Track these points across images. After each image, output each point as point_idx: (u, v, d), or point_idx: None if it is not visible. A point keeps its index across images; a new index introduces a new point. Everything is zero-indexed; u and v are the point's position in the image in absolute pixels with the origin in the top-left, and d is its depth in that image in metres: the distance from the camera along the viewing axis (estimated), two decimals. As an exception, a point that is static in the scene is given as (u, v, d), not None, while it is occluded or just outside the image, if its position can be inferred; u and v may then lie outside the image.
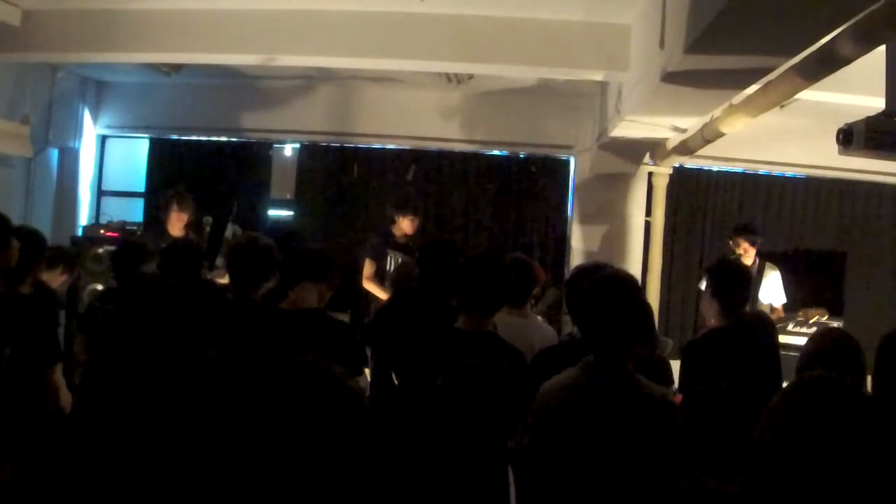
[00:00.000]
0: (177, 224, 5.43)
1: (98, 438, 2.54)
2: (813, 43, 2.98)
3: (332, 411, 1.20)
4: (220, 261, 5.34)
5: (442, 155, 7.20)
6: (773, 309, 5.54)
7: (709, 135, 4.93)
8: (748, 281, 3.68)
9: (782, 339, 5.23)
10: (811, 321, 5.57)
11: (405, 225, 5.62)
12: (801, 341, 5.56)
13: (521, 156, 7.22)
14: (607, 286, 2.31)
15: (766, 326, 3.71)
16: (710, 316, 3.61)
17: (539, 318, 3.81)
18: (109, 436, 2.52)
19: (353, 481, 1.20)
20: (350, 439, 1.21)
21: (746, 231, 5.64)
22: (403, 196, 6.07)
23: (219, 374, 2.61)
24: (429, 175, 7.22)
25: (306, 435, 1.17)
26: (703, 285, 5.87)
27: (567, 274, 6.56)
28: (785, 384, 3.27)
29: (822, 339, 2.64)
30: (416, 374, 2.09)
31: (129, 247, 4.22)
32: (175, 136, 7.44)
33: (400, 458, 1.93)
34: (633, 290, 2.35)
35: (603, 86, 5.77)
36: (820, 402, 1.34)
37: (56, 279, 4.22)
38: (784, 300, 5.67)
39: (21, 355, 2.98)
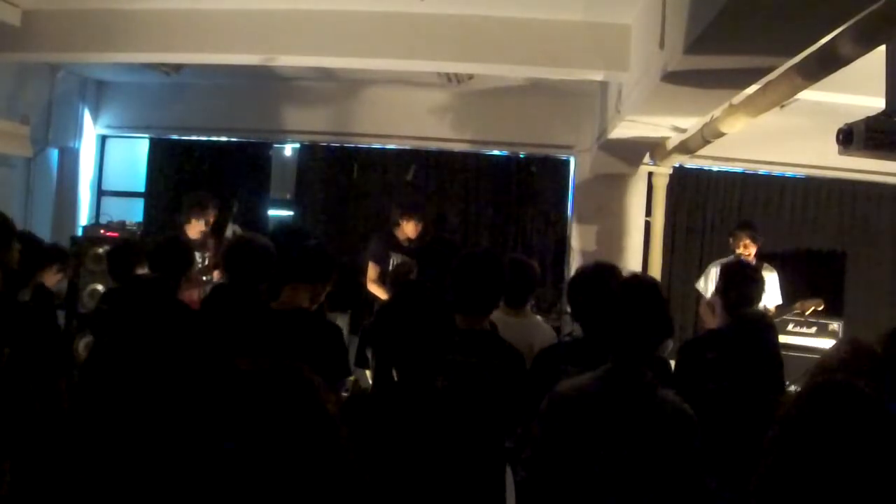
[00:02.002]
0: (196, 227, 5.42)
1: (95, 440, 2.53)
2: (813, 43, 2.98)
3: (296, 418, 1.17)
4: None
5: (442, 155, 7.20)
6: (766, 310, 5.53)
7: (709, 135, 4.93)
8: (755, 280, 3.67)
9: (783, 339, 5.23)
10: (807, 313, 5.56)
11: (409, 229, 5.61)
12: (802, 341, 5.60)
13: (521, 156, 7.21)
14: (634, 292, 2.26)
15: (766, 327, 3.70)
16: (711, 316, 3.60)
17: (538, 318, 3.80)
18: (106, 437, 2.52)
19: (321, 490, 1.17)
20: (315, 448, 1.18)
21: (748, 227, 5.63)
22: (410, 200, 6.06)
23: (210, 376, 2.60)
24: (429, 175, 7.22)
25: (270, 440, 1.15)
26: (699, 284, 5.88)
27: (567, 274, 6.56)
28: (787, 383, 3.26)
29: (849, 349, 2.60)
30: (415, 373, 2.08)
31: (124, 247, 4.21)
32: (175, 136, 7.45)
33: (398, 457, 1.93)
34: (658, 295, 2.31)
35: (603, 86, 5.77)
36: (836, 408, 1.32)
37: (52, 278, 4.20)
38: (779, 302, 5.67)
39: (27, 360, 2.98)
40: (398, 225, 5.65)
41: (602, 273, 2.98)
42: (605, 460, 2.10)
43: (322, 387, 1.24)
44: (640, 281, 2.36)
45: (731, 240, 5.68)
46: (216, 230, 5.65)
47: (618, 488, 2.10)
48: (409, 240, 5.62)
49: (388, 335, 2.14)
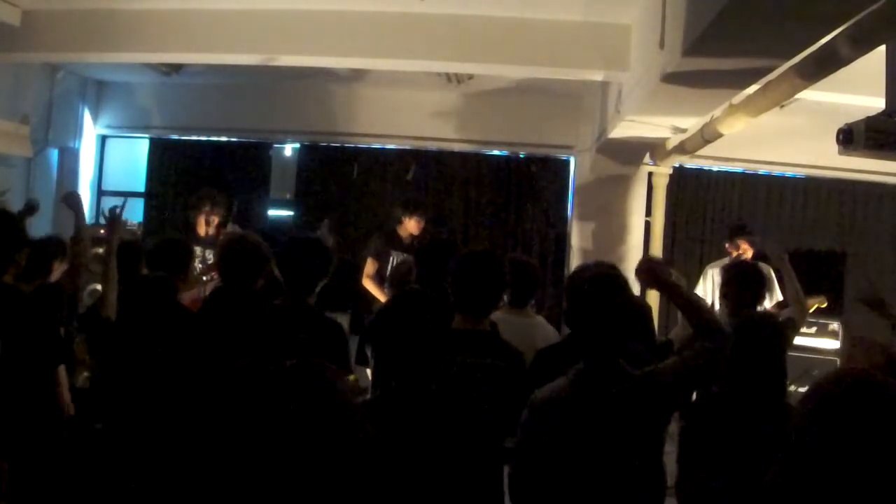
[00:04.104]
0: (205, 223, 5.39)
1: (107, 438, 2.54)
2: (813, 43, 2.98)
3: (325, 415, 1.19)
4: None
5: (442, 155, 7.21)
6: (775, 311, 5.50)
7: (708, 135, 4.93)
8: (758, 280, 3.65)
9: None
10: (810, 310, 5.54)
11: (411, 225, 5.61)
12: (802, 341, 5.59)
13: (521, 156, 7.22)
14: (585, 289, 2.25)
15: (770, 328, 3.68)
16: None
17: (541, 318, 3.80)
18: (118, 438, 2.52)
19: (348, 484, 1.20)
20: (342, 443, 1.20)
21: (746, 232, 5.61)
22: (413, 197, 6.06)
23: (226, 375, 2.61)
24: (429, 175, 7.23)
25: (298, 438, 1.17)
26: (699, 289, 5.86)
27: (567, 274, 6.56)
28: (788, 383, 3.25)
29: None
30: (412, 374, 2.09)
31: (128, 247, 4.20)
32: (175, 136, 7.45)
33: (397, 458, 1.93)
34: (612, 290, 2.27)
35: (603, 86, 5.76)
36: (862, 401, 1.33)
37: (57, 271, 4.21)
38: (780, 298, 5.66)
39: (24, 353, 2.97)
40: (401, 223, 5.65)
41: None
42: (588, 460, 2.10)
43: (345, 386, 1.26)
44: (593, 279, 2.29)
45: (727, 244, 5.65)
46: (225, 226, 5.63)
47: (609, 480, 2.11)
48: (411, 237, 5.62)
49: (385, 339, 2.15)
